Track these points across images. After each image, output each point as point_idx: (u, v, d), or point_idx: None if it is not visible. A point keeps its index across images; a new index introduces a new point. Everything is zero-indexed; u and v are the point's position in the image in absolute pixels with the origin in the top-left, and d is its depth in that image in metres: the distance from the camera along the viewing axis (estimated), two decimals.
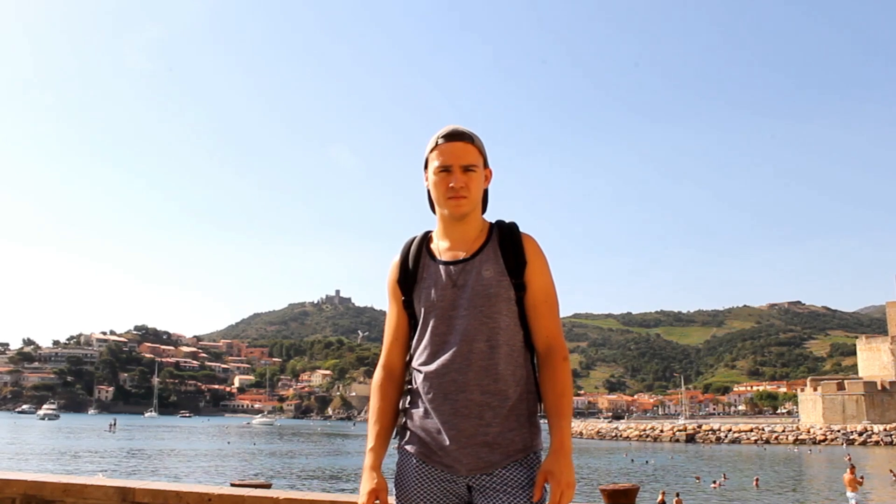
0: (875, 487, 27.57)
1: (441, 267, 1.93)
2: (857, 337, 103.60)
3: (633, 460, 42.78)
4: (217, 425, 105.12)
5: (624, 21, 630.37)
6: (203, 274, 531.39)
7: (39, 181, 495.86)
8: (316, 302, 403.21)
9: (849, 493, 19.61)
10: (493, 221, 2.01)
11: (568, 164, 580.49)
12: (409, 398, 1.96)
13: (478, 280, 1.88)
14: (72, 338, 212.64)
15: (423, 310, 1.92)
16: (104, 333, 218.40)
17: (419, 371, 1.91)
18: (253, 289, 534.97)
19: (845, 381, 75.50)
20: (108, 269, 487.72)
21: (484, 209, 2.01)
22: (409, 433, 1.93)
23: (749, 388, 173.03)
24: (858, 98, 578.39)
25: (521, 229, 1.97)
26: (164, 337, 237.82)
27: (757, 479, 28.74)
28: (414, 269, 1.97)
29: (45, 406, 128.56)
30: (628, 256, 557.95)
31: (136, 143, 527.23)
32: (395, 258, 2.04)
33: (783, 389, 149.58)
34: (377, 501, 1.84)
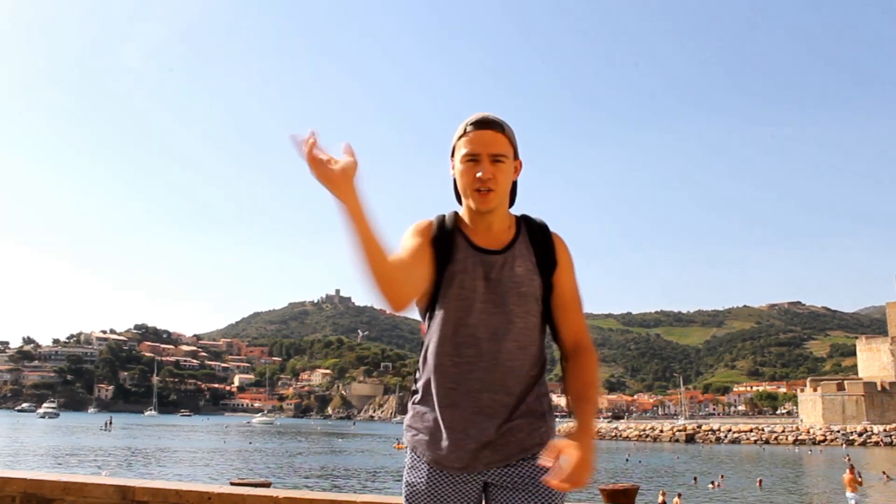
0: (872, 487, 27.58)
1: (475, 254, 1.81)
2: (856, 337, 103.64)
3: (627, 460, 42.81)
4: (217, 424, 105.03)
5: (623, 22, 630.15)
6: (203, 273, 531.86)
7: (39, 181, 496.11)
8: (316, 301, 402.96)
9: (848, 494, 19.62)
10: (520, 215, 1.91)
11: (567, 165, 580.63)
12: (419, 395, 1.85)
13: (511, 276, 1.79)
14: (72, 336, 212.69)
15: (453, 297, 1.79)
16: (104, 332, 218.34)
17: (440, 364, 1.79)
18: (253, 288, 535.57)
19: (845, 382, 75.45)
20: (108, 268, 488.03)
21: (512, 203, 1.90)
22: (419, 435, 1.82)
23: (749, 389, 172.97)
24: (858, 98, 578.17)
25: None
26: (164, 336, 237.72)
27: (760, 480, 28.72)
28: (449, 244, 1.82)
29: (45, 404, 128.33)
30: (628, 256, 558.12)
31: (136, 144, 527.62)
32: (423, 221, 1.86)
33: (783, 390, 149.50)
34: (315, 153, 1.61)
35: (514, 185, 1.89)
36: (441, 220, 1.87)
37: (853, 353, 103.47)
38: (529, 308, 1.80)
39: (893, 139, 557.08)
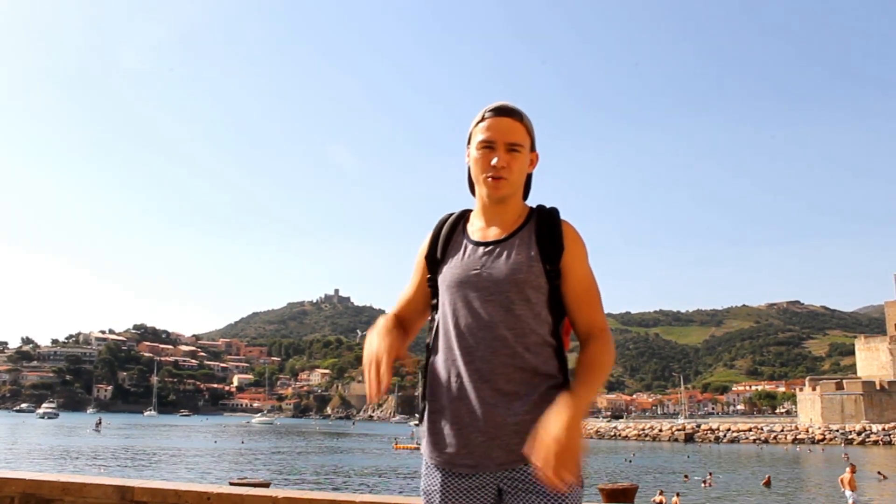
0: (867, 487, 27.60)
1: (471, 246, 1.80)
2: (855, 337, 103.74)
3: (629, 461, 42.82)
4: (216, 424, 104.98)
5: (623, 23, 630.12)
6: (202, 273, 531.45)
7: (39, 182, 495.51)
8: (315, 301, 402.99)
9: (847, 493, 19.64)
10: (535, 206, 1.86)
11: (566, 165, 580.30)
12: (427, 389, 1.80)
13: (507, 264, 1.74)
14: (70, 337, 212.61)
15: (445, 290, 1.78)
16: (103, 332, 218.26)
17: (441, 359, 1.77)
18: (252, 288, 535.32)
19: (844, 381, 75.57)
20: (107, 268, 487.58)
21: (526, 195, 1.86)
22: (430, 436, 1.76)
23: (748, 388, 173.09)
24: (860, 97, 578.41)
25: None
26: (163, 336, 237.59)
27: (769, 478, 28.67)
28: (445, 245, 1.84)
29: (44, 405, 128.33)
30: (627, 256, 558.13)
31: (135, 144, 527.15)
32: (429, 233, 1.90)
33: (782, 389, 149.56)
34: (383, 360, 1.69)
35: (529, 177, 1.85)
36: (440, 226, 1.88)
37: (852, 353, 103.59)
38: (527, 295, 1.73)
39: (892, 139, 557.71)
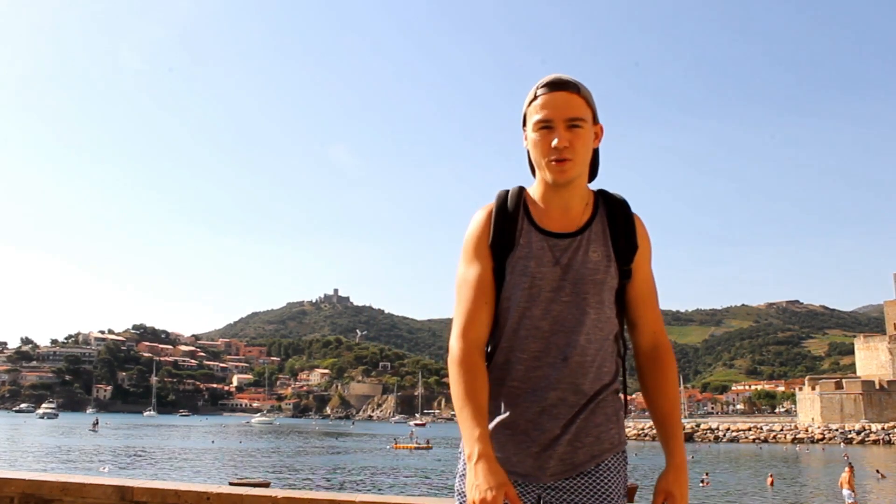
0: (866, 485, 27.63)
1: (541, 236, 1.61)
2: (854, 336, 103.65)
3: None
4: (216, 424, 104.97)
5: (624, 20, 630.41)
6: (201, 273, 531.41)
7: (38, 182, 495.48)
8: (314, 301, 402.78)
9: (844, 492, 19.65)
10: (597, 190, 1.71)
11: None
12: (491, 389, 1.62)
13: (584, 262, 1.59)
14: (70, 337, 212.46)
15: (517, 286, 1.59)
16: (102, 332, 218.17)
17: (503, 360, 1.61)
18: (251, 288, 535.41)
19: (843, 380, 75.61)
20: (107, 268, 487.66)
21: (594, 175, 1.70)
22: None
23: (747, 387, 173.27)
24: (858, 97, 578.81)
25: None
26: (163, 336, 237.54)
27: (772, 479, 28.67)
28: (510, 231, 1.62)
29: (44, 405, 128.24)
30: None
31: (135, 144, 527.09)
32: (480, 214, 1.66)
33: (781, 388, 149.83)
34: (505, 500, 1.43)
35: (596, 153, 1.68)
36: (502, 204, 1.66)
37: (851, 352, 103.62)
38: (604, 298, 1.60)
39: (891, 139, 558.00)
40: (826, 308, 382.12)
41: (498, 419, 1.60)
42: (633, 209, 1.66)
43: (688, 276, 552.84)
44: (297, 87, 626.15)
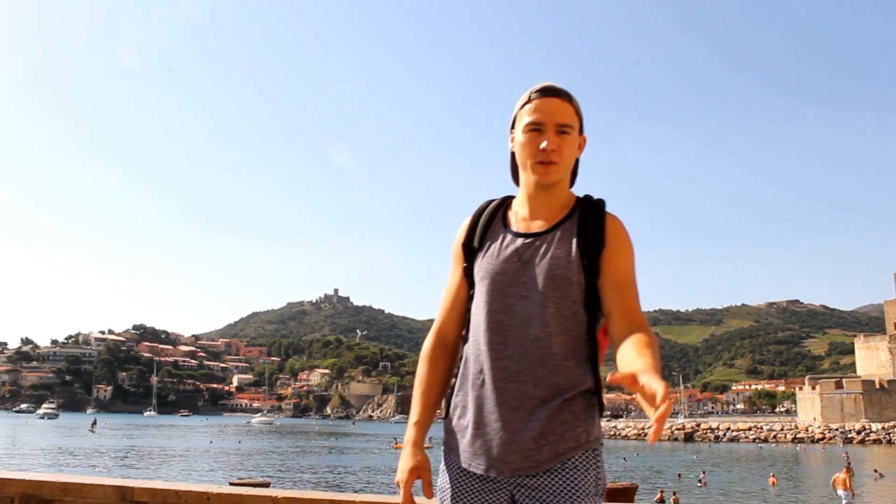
0: (864, 485, 27.63)
1: (510, 236, 1.69)
2: (855, 335, 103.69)
3: (623, 458, 42.94)
4: (216, 424, 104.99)
5: (622, 23, 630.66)
6: (201, 273, 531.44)
7: (38, 181, 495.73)
8: (314, 301, 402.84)
9: (840, 492, 19.67)
10: (581, 196, 1.75)
11: None
12: (453, 391, 1.71)
13: (546, 258, 1.63)
14: (70, 337, 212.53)
15: (480, 281, 1.67)
16: (102, 333, 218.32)
17: (470, 354, 1.68)
18: (251, 288, 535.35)
19: (843, 380, 75.63)
20: (107, 268, 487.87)
21: (573, 182, 1.75)
22: (448, 430, 1.70)
23: (747, 387, 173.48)
24: (858, 97, 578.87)
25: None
26: (163, 336, 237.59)
27: (774, 479, 28.66)
28: (483, 233, 1.73)
29: (44, 405, 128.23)
30: None
31: (135, 143, 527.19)
32: (464, 220, 1.79)
33: (781, 388, 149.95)
34: (419, 480, 1.62)
35: (577, 162, 1.74)
36: (481, 209, 1.78)
37: (851, 352, 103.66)
38: (566, 293, 1.62)
39: (893, 137, 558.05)
40: (826, 308, 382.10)
41: (465, 412, 1.65)
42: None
43: (688, 275, 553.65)
44: (297, 86, 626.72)
